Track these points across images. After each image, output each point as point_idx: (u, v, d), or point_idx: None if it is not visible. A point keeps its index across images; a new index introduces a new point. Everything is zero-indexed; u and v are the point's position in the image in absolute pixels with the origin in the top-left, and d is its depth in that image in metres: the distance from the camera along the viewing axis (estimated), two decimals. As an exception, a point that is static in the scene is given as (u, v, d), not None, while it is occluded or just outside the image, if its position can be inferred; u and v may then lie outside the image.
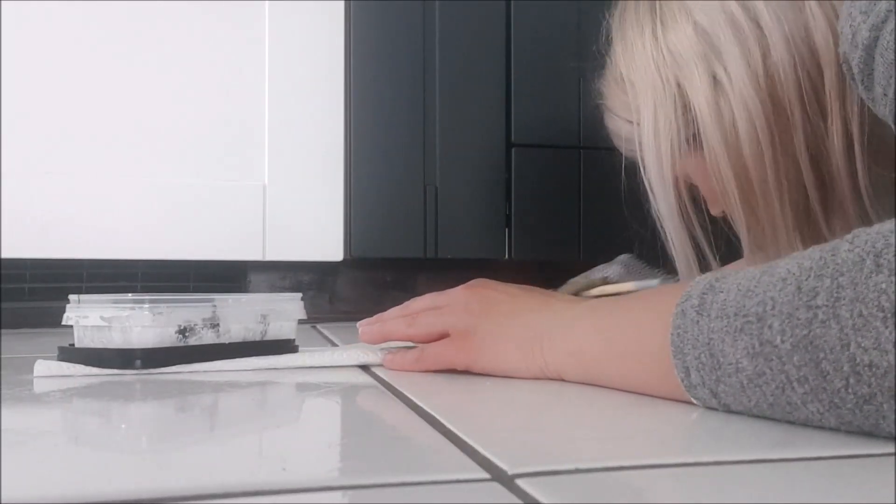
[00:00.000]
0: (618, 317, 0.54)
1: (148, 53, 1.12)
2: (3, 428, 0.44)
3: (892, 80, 0.48)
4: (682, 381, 0.45)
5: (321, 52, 1.16)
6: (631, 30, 0.71)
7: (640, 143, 0.70)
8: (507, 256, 1.21)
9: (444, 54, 1.19)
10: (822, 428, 0.41)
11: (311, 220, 1.16)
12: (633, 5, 0.72)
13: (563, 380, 0.57)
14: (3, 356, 0.76)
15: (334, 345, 0.85)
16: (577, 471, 0.35)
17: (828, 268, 0.39)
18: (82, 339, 0.64)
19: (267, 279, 1.20)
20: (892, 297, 0.36)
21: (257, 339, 0.68)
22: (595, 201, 1.22)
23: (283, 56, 1.16)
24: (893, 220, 0.38)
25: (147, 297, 0.62)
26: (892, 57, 0.47)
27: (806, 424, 0.41)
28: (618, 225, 1.26)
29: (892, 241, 0.37)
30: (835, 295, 0.38)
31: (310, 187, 1.16)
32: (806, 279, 0.39)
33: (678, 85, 0.67)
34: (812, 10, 0.62)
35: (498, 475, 0.34)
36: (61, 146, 1.09)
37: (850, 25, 0.51)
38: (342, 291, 1.23)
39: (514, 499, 0.31)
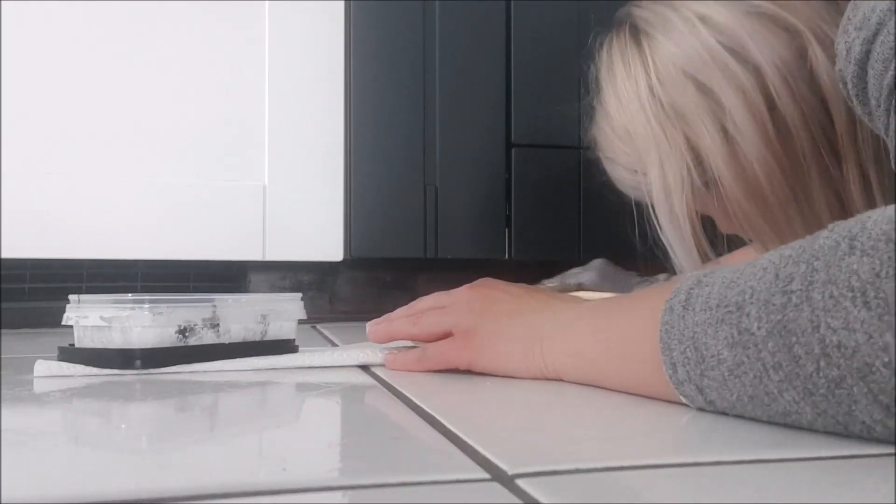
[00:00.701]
0: (615, 317, 0.54)
1: (148, 53, 1.12)
2: (3, 428, 0.44)
3: (884, 91, 0.48)
4: (671, 377, 0.45)
5: (321, 52, 1.16)
6: (623, 82, 0.70)
7: (648, 195, 0.70)
8: (506, 256, 1.21)
9: (444, 54, 1.19)
10: (801, 428, 0.41)
11: (311, 221, 1.16)
12: (618, 50, 0.71)
13: (561, 380, 0.57)
14: (3, 356, 0.76)
15: (334, 345, 0.85)
16: (577, 471, 0.35)
17: (805, 254, 0.39)
18: (82, 340, 0.64)
19: (267, 279, 1.20)
20: (863, 277, 0.35)
21: (257, 339, 0.68)
22: (595, 201, 1.22)
23: (283, 56, 1.16)
24: (874, 210, 0.38)
25: (147, 297, 0.62)
26: (881, 67, 0.47)
27: (785, 421, 0.41)
28: (618, 225, 1.27)
29: (868, 225, 0.37)
30: (808, 279, 0.38)
31: (310, 187, 1.16)
32: (784, 266, 0.39)
33: (686, 139, 0.66)
34: (816, 55, 0.61)
35: (498, 475, 0.34)
36: (61, 146, 1.09)
37: (846, 42, 0.50)
38: (342, 291, 1.23)
39: (514, 499, 0.31)
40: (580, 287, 1.04)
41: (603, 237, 1.23)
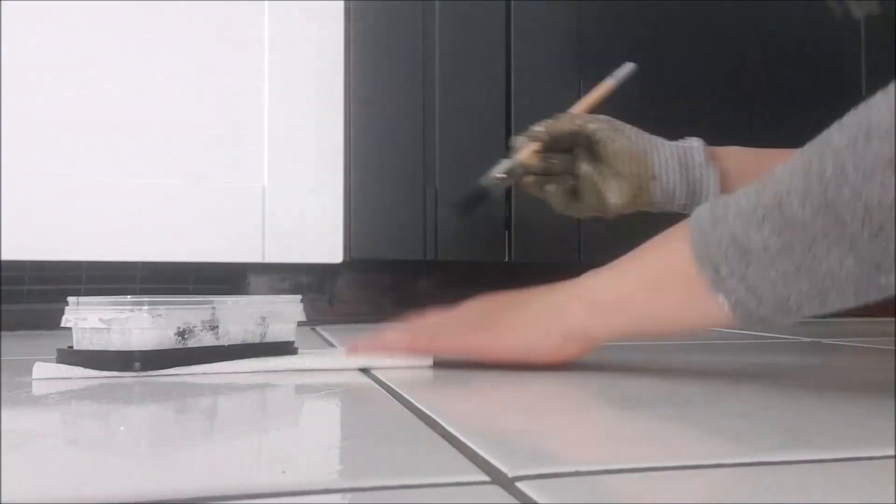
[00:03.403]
0: (633, 264, 0.56)
1: (147, 54, 1.12)
2: (2, 430, 0.43)
3: None
4: (711, 279, 0.49)
5: (321, 53, 1.16)
6: None
7: None
8: (506, 259, 1.21)
9: (444, 54, 1.19)
10: (839, 291, 0.46)
11: (310, 222, 1.16)
12: None
13: (584, 348, 0.58)
14: (1, 358, 0.75)
15: (333, 347, 0.85)
16: (578, 473, 0.34)
17: (827, 152, 0.45)
18: (81, 342, 0.64)
19: (266, 281, 1.20)
20: (888, 155, 0.42)
21: (256, 341, 0.68)
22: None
23: (283, 56, 1.16)
24: (875, 98, 0.45)
25: (146, 299, 0.62)
26: None
27: (823, 285, 0.46)
28: (618, 227, 1.27)
29: (876, 119, 0.43)
30: (840, 166, 0.44)
31: (309, 189, 1.16)
32: (810, 165, 0.46)
33: None
34: None
35: (498, 478, 0.34)
36: (61, 147, 1.09)
37: None
38: (342, 293, 1.23)
39: (514, 501, 0.31)
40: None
41: (603, 239, 1.23)
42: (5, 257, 1.05)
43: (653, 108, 1.26)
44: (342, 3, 1.17)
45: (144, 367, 0.61)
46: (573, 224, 1.22)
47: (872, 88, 0.45)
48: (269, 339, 0.68)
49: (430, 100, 1.18)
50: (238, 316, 0.66)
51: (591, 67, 1.26)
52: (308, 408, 0.54)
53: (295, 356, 0.68)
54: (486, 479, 0.34)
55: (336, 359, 0.68)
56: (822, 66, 1.30)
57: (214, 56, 1.14)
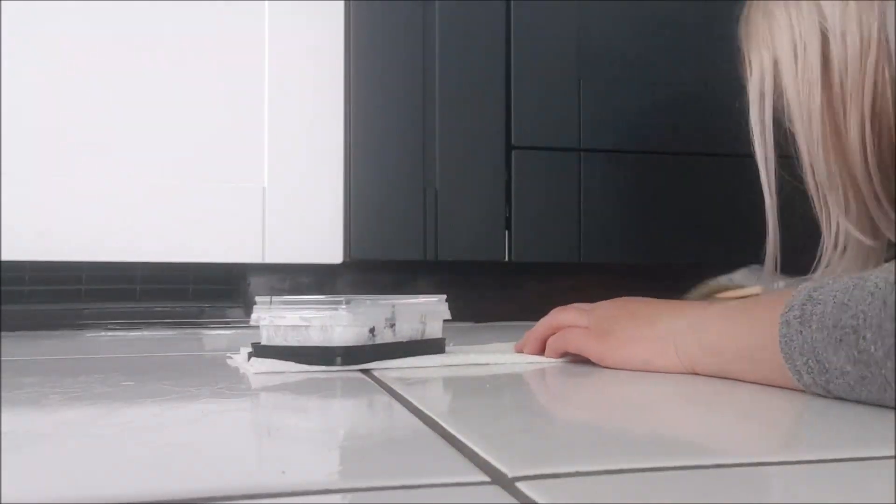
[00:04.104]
0: (740, 324, 0.59)
1: (147, 55, 1.12)
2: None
3: None
4: (798, 381, 0.51)
5: (321, 53, 1.16)
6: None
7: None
8: (506, 259, 1.21)
9: (444, 54, 1.19)
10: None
11: (310, 223, 1.16)
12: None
13: (695, 373, 0.61)
14: (2, 359, 0.75)
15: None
16: (578, 474, 0.34)
17: None
18: (273, 338, 0.68)
19: (266, 281, 1.20)
20: None
21: (419, 337, 0.71)
22: (595, 204, 1.22)
23: (283, 56, 1.16)
24: None
25: (342, 297, 0.66)
26: None
27: None
28: (618, 227, 1.27)
29: None
30: None
31: (309, 189, 1.16)
32: (889, 294, 0.46)
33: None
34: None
35: (498, 478, 0.34)
36: (61, 148, 1.09)
37: None
38: (342, 293, 1.23)
39: (515, 502, 0.31)
40: (730, 284, 1.08)
41: (603, 240, 1.23)
42: (5, 257, 1.05)
43: (654, 110, 1.26)
44: (342, 3, 1.17)
45: (345, 362, 0.65)
46: (573, 225, 1.22)
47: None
48: (427, 335, 0.72)
49: (430, 99, 1.18)
50: (409, 314, 0.70)
51: (591, 67, 1.27)
52: (307, 408, 0.54)
53: (479, 353, 0.73)
54: (487, 479, 0.34)
55: (511, 355, 0.73)
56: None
57: (214, 56, 1.14)
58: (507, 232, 1.21)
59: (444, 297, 0.74)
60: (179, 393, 0.57)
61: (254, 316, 0.68)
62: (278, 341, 0.67)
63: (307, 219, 1.16)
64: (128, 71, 1.11)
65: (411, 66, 1.18)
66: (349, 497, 0.33)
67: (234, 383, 0.62)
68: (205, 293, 1.19)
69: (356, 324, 0.65)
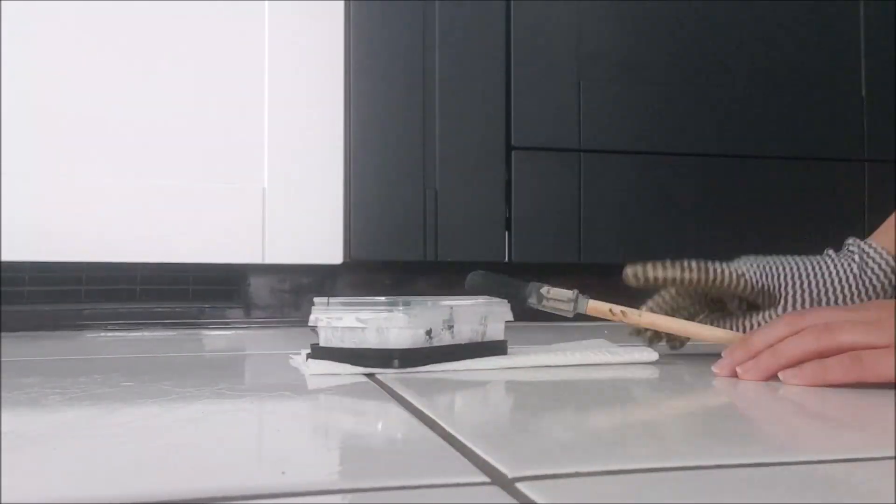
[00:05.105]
0: None
1: (147, 56, 1.12)
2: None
3: None
4: None
5: (321, 54, 1.16)
6: None
7: None
8: (506, 259, 1.21)
9: (444, 54, 1.19)
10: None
11: (310, 223, 1.16)
12: None
13: None
14: (2, 359, 0.75)
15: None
16: (578, 474, 0.34)
17: None
18: (330, 340, 0.67)
19: (267, 282, 1.20)
20: None
21: (479, 339, 0.70)
22: (595, 204, 1.22)
23: (283, 58, 1.16)
24: None
25: (400, 299, 0.65)
26: None
27: None
28: (618, 227, 1.27)
29: None
30: None
31: (309, 190, 1.16)
32: None
33: None
34: None
35: (498, 479, 0.34)
36: (61, 148, 1.09)
37: None
38: (342, 294, 1.22)
39: (514, 502, 0.31)
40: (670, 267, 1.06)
41: (603, 240, 1.23)
42: (5, 257, 1.05)
43: (654, 111, 1.26)
44: (342, 3, 1.17)
45: (402, 365, 0.64)
46: (573, 225, 1.22)
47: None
48: (488, 337, 0.71)
49: (430, 100, 1.18)
50: (468, 316, 0.69)
51: (591, 67, 1.27)
52: (307, 408, 0.54)
53: (548, 353, 0.71)
54: (486, 479, 0.34)
55: (577, 354, 0.70)
56: (822, 66, 1.30)
57: (214, 56, 1.14)
58: (507, 232, 1.21)
59: (506, 301, 0.72)
60: (179, 393, 0.56)
61: (311, 317, 0.67)
62: (335, 343, 0.67)
63: (307, 219, 1.16)
64: (128, 71, 1.11)
65: (411, 67, 1.18)
66: (349, 497, 0.33)
67: (234, 384, 0.62)
68: (205, 294, 1.19)
69: (412, 326, 0.64)
